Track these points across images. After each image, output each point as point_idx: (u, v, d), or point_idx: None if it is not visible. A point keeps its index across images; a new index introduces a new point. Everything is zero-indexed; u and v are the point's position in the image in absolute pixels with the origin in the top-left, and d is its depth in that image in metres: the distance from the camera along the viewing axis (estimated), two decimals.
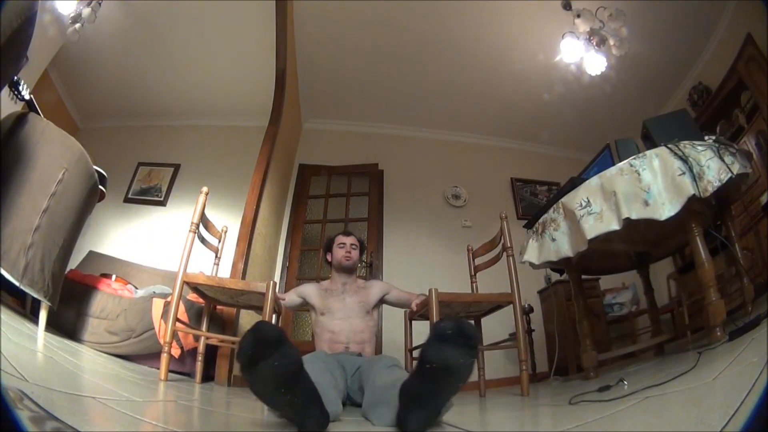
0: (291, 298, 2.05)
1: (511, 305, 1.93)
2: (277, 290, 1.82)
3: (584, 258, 1.88)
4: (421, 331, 1.93)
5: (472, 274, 2.36)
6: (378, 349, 3.28)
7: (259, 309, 2.01)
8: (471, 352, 0.84)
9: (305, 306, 2.04)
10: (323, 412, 0.86)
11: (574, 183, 1.82)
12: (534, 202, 4.24)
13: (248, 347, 0.80)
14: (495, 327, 2.44)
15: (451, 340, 0.83)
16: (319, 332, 1.91)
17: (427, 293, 1.83)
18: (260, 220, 2.82)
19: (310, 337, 3.39)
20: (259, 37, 3.20)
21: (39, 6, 1.19)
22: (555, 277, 3.30)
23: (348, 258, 2.02)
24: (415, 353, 2.13)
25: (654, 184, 1.52)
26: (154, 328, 2.04)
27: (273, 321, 1.94)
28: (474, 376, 2.29)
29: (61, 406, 0.69)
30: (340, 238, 2.10)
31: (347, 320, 1.89)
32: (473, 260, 2.38)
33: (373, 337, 1.92)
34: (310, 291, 2.04)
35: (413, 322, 2.20)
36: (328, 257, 2.12)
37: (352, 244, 2.07)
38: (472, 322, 2.09)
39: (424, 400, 0.86)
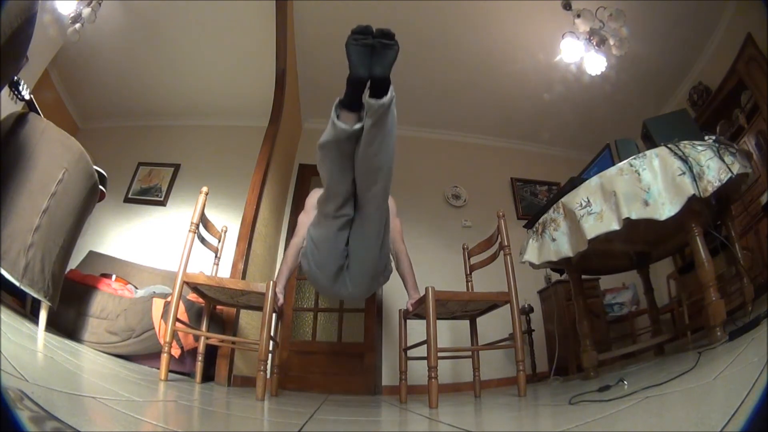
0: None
1: (508, 305, 1.92)
2: (277, 290, 1.82)
3: (584, 258, 1.88)
4: (418, 329, 1.96)
5: (468, 272, 2.36)
6: (379, 348, 3.28)
7: (259, 309, 2.01)
8: (392, 41, 1.51)
9: None
10: (366, 71, 1.50)
11: (574, 183, 1.82)
12: (534, 202, 4.23)
13: (356, 31, 1.49)
14: (495, 326, 2.44)
15: (380, 35, 1.49)
16: None
17: (425, 291, 1.81)
18: (260, 220, 2.81)
19: (309, 337, 3.40)
20: (259, 37, 3.19)
21: (39, 6, 1.19)
22: (555, 277, 3.30)
23: None
24: (410, 352, 2.14)
25: (654, 184, 1.52)
26: (154, 328, 2.04)
27: (273, 321, 1.94)
28: (469, 377, 2.30)
29: (61, 406, 0.69)
30: None
31: None
32: (469, 259, 2.38)
33: None
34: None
35: (408, 321, 2.20)
36: None
37: None
38: None
39: (380, 60, 1.51)
